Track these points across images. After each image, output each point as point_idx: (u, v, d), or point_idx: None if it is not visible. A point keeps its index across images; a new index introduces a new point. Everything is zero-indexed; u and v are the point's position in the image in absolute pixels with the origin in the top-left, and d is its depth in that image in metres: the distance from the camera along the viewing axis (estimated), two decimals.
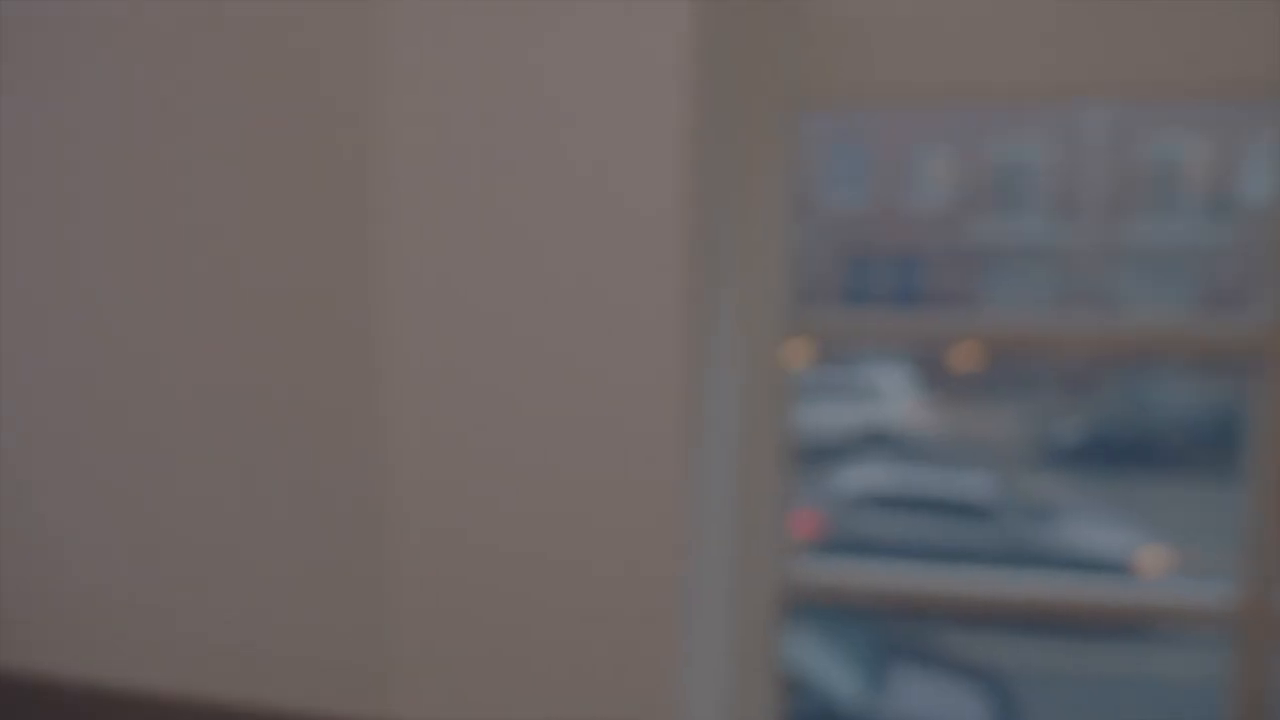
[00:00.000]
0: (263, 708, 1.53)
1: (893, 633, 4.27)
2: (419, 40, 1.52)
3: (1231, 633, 1.90)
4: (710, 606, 1.86)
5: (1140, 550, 4.72)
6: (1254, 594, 1.85)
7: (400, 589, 1.57)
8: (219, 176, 1.45)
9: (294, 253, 1.57)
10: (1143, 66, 1.80)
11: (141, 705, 1.48)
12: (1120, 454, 5.45)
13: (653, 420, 1.67)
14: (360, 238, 1.50)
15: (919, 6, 1.75)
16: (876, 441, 5.73)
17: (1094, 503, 5.09)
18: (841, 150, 5.02)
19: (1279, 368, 1.73)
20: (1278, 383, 1.76)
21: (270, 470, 1.62)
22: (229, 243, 1.47)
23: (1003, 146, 4.82)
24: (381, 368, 1.56)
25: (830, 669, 3.79)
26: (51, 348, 1.48)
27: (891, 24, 1.81)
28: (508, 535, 1.61)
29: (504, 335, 1.58)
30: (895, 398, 5.79)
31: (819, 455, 5.61)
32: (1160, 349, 2.70)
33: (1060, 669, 4.50)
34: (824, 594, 2.11)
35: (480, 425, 1.56)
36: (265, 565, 1.59)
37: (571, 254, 1.58)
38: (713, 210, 1.70)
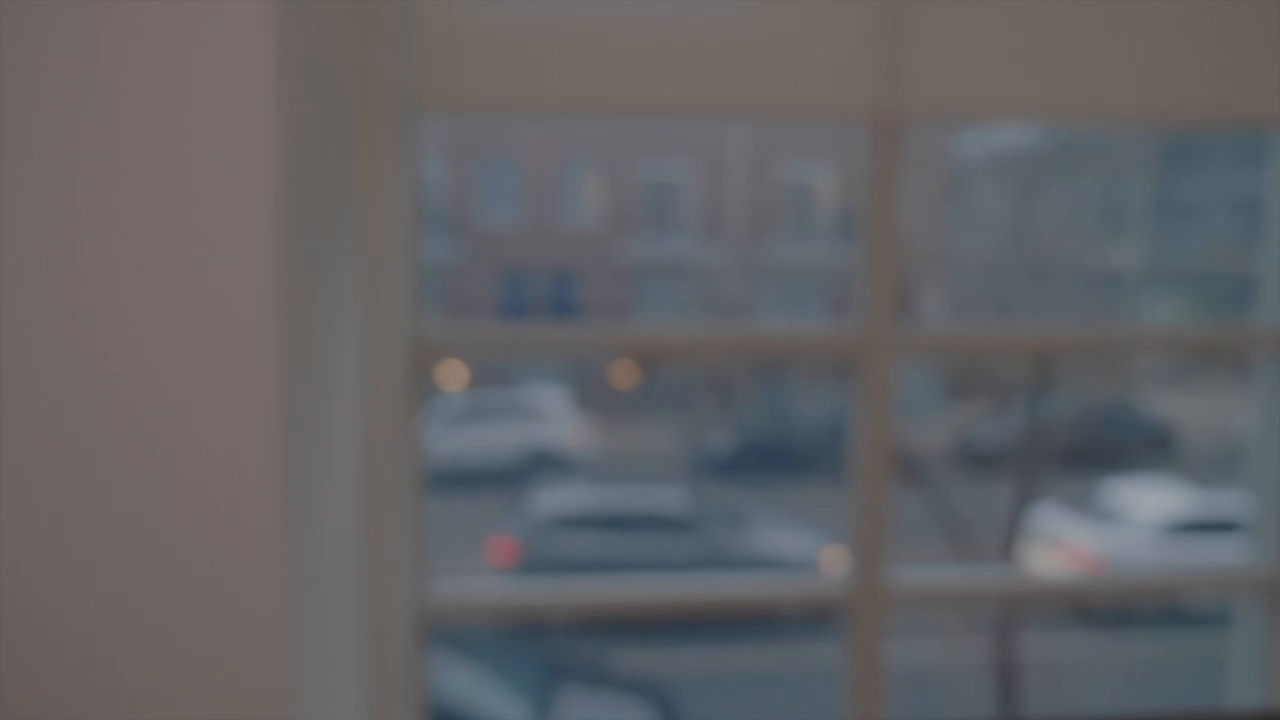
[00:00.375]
0: None
1: (557, 655, 4.22)
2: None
3: (847, 616, 1.94)
4: (336, 635, 1.64)
5: (823, 550, 4.99)
6: (863, 579, 1.90)
7: None
8: None
9: None
10: (767, 90, 1.80)
11: None
12: (768, 461, 5.78)
13: (249, 450, 1.42)
14: None
15: (546, 18, 1.66)
16: (541, 463, 5.69)
17: (767, 509, 5.32)
18: (495, 168, 4.91)
19: (870, 369, 1.79)
20: (869, 383, 1.83)
21: None
22: None
23: (651, 168, 4.92)
24: None
25: (495, 697, 3.69)
26: None
27: (512, 35, 1.71)
28: (93, 573, 1.36)
29: (86, 354, 1.33)
30: (556, 418, 5.78)
31: (483, 479, 5.47)
32: (786, 353, 2.71)
33: (722, 672, 4.64)
34: (468, 615, 1.95)
35: (64, 447, 1.32)
36: None
37: (158, 280, 1.33)
38: (316, 225, 1.48)
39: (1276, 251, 1.85)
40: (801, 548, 5.01)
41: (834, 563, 4.88)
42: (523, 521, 4.82)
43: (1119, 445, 6.42)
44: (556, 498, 5.06)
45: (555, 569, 4.55)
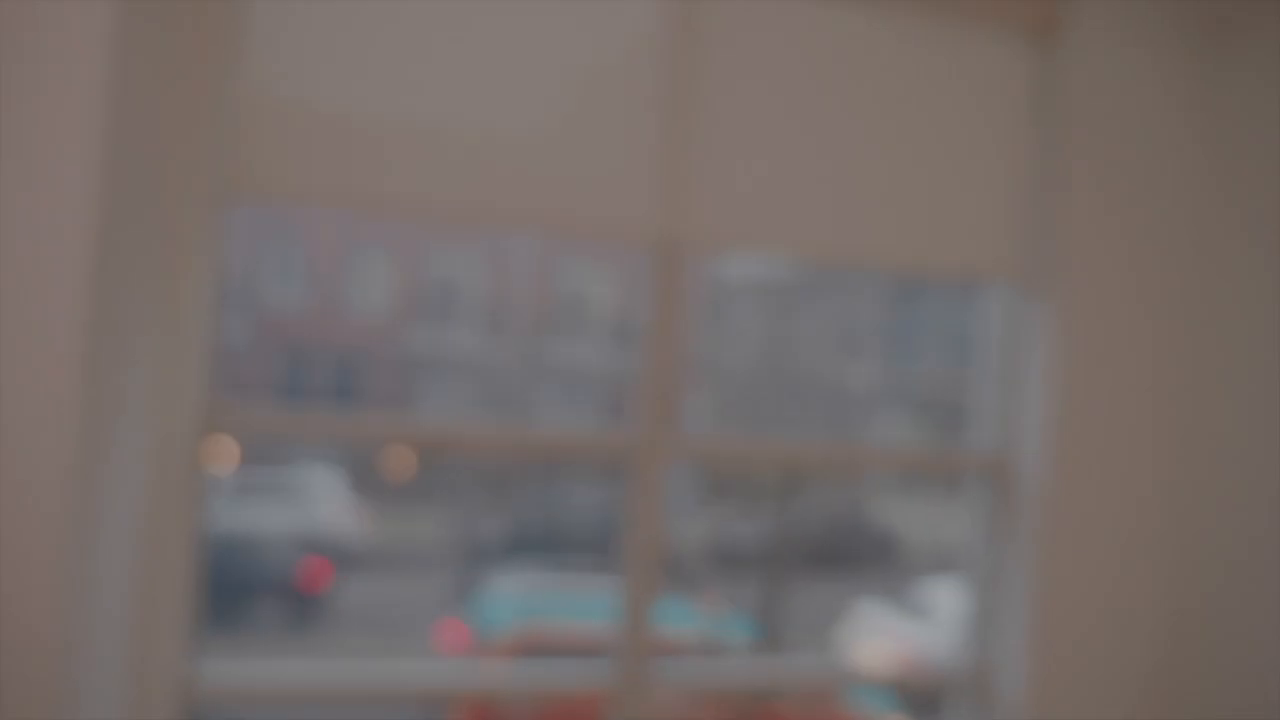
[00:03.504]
0: None
1: None
2: None
3: (615, 704, 2.14)
4: (100, 710, 1.68)
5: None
6: (628, 668, 2.12)
7: None
8: None
9: None
10: (557, 208, 2.07)
11: None
12: (538, 551, 5.92)
13: (36, 519, 1.50)
14: None
15: (357, 117, 1.84)
16: (310, 544, 5.60)
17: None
18: (282, 250, 4.96)
19: (642, 469, 2.06)
20: (641, 482, 2.08)
21: None
22: None
23: (439, 260, 5.12)
24: None
25: None
26: None
27: (327, 132, 1.88)
28: None
29: None
30: (328, 501, 5.72)
31: (248, 554, 5.34)
32: (563, 452, 3.03)
33: None
34: (237, 697, 2.01)
35: None
36: None
37: None
38: (123, 301, 1.61)
39: (982, 385, 2.27)
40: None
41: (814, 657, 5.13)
42: (478, 608, 4.92)
43: (851, 548, 7.01)
44: (510, 584, 5.16)
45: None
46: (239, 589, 5.09)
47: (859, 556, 6.95)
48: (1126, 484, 2.17)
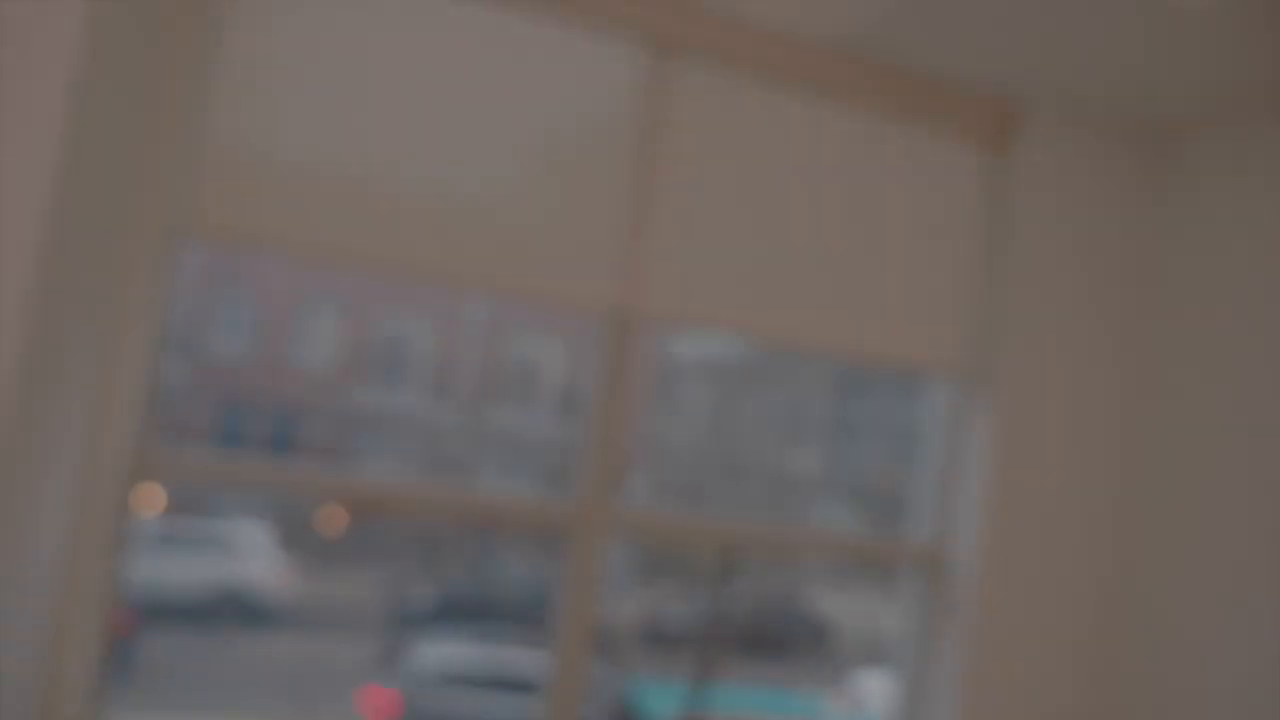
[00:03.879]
0: None
1: None
2: None
3: None
4: None
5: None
6: None
7: None
8: None
9: None
10: (513, 272, 2.08)
11: None
12: (466, 619, 5.82)
13: None
14: None
15: (314, 167, 1.85)
16: (233, 601, 5.45)
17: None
18: (230, 297, 4.91)
19: (580, 540, 2.05)
20: (578, 553, 2.08)
21: None
22: None
23: (388, 320, 5.10)
24: None
25: None
26: None
27: (287, 181, 1.89)
28: None
29: None
30: (254, 555, 5.58)
31: (172, 612, 5.18)
32: (502, 518, 3.02)
33: None
34: None
35: None
36: None
37: None
38: (59, 338, 1.59)
39: (921, 477, 2.31)
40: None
41: None
42: (403, 675, 4.93)
43: (785, 634, 6.98)
44: (438, 653, 5.13)
45: None
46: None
47: (792, 643, 6.92)
48: (1059, 577, 2.21)
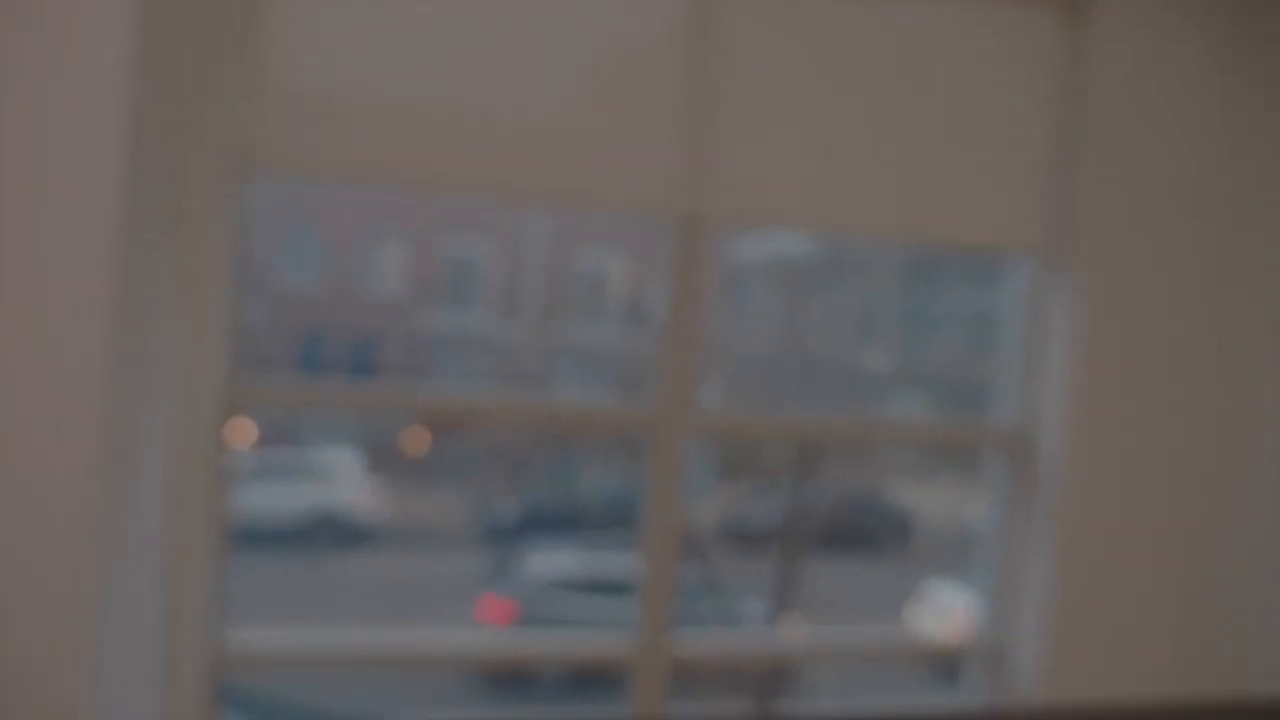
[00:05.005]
0: None
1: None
2: None
3: (629, 673, 2.18)
4: (134, 687, 1.73)
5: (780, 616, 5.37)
6: (649, 640, 2.15)
7: None
8: None
9: None
10: (579, 183, 2.07)
11: None
12: (552, 529, 5.97)
13: (69, 498, 1.54)
14: None
15: (374, 94, 1.86)
16: (330, 525, 5.66)
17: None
18: (299, 234, 4.99)
19: (663, 445, 2.08)
20: (659, 453, 2.11)
21: None
22: None
23: (454, 243, 5.13)
24: None
25: None
26: None
27: (348, 108, 1.90)
28: None
29: None
30: (345, 480, 5.76)
31: (271, 538, 5.40)
32: (581, 426, 3.05)
33: None
34: (265, 663, 2.05)
35: None
36: None
37: None
38: (147, 277, 1.63)
39: (1003, 361, 2.27)
40: (758, 611, 5.45)
41: (792, 624, 5.26)
42: (518, 583, 5.13)
43: (867, 528, 7.01)
44: (548, 561, 5.30)
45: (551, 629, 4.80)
46: None
47: (875, 537, 6.96)
48: (1147, 456, 2.17)
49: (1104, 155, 2.11)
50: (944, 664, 2.38)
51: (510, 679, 4.80)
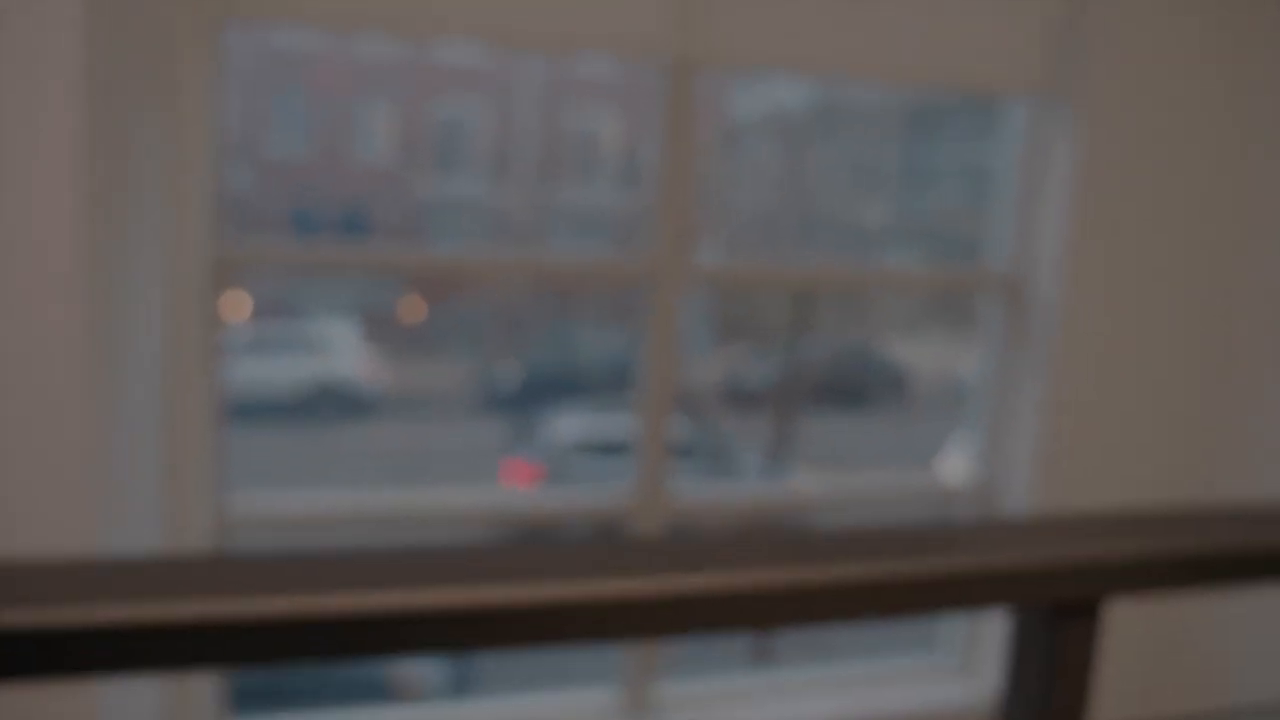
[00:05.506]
0: None
1: None
2: None
3: (624, 528, 2.23)
4: (138, 538, 1.76)
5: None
6: (647, 493, 2.20)
7: None
8: None
9: None
10: (564, 23, 2.00)
11: None
12: (554, 393, 6.04)
13: (58, 372, 1.54)
14: None
15: None
16: (330, 396, 5.70)
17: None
18: (283, 98, 4.87)
19: (659, 297, 2.07)
20: (656, 308, 2.10)
21: None
22: None
23: (442, 105, 5.01)
24: None
25: None
26: None
27: None
28: None
29: None
30: (343, 350, 5.78)
31: (271, 410, 5.45)
32: (578, 280, 3.02)
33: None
34: (260, 529, 2.09)
35: None
36: None
37: None
38: (122, 141, 1.58)
39: (998, 208, 2.25)
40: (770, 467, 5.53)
41: (822, 481, 5.37)
42: (542, 446, 5.19)
43: (861, 384, 7.10)
44: (570, 424, 5.37)
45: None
46: None
47: (870, 392, 7.05)
48: (1141, 300, 2.17)
49: None
50: (942, 507, 2.44)
51: (532, 534, 4.94)
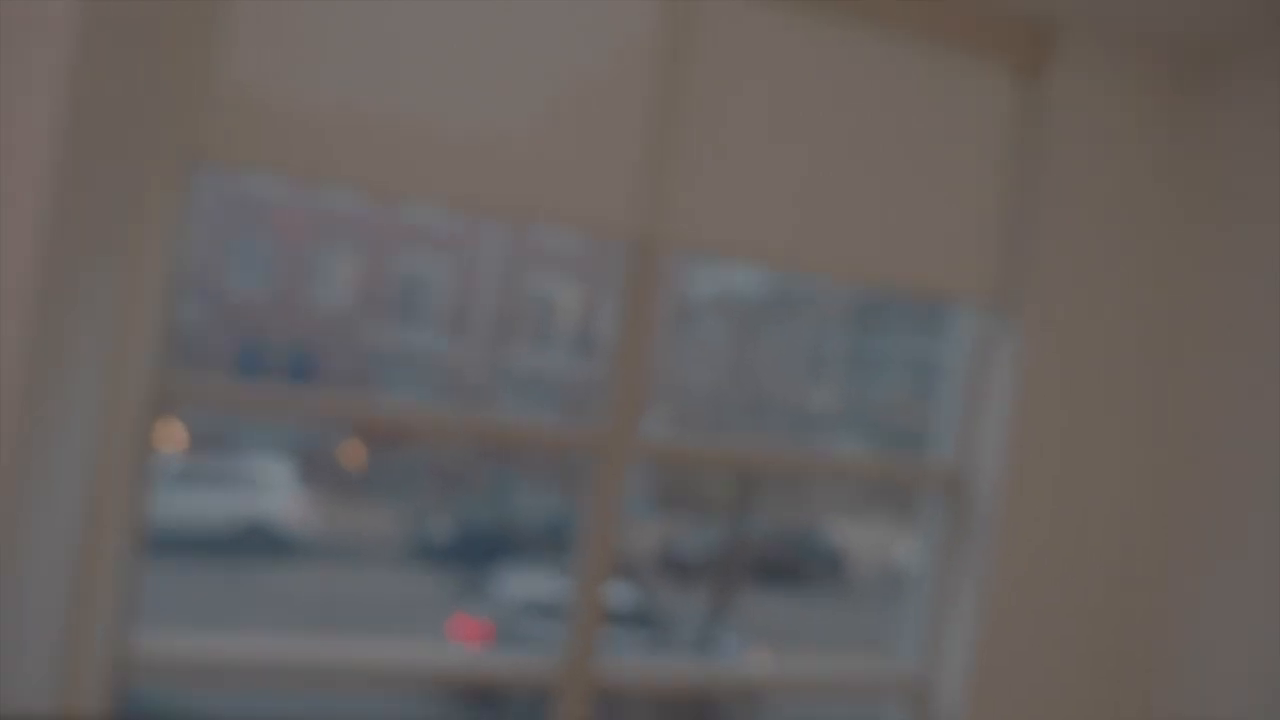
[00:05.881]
0: None
1: None
2: None
3: (552, 695, 2.17)
4: (29, 685, 1.67)
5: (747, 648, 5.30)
6: (574, 662, 2.14)
7: None
8: None
9: None
10: (530, 198, 2.08)
11: None
12: (486, 550, 5.91)
13: None
14: None
15: (330, 96, 1.84)
16: (257, 535, 5.53)
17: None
18: (244, 237, 4.92)
19: (604, 464, 2.08)
20: (601, 476, 2.11)
21: None
22: None
23: (405, 257, 5.10)
24: None
25: None
26: None
27: (302, 113, 1.88)
28: None
29: None
30: (276, 490, 5.64)
31: (195, 546, 5.26)
32: (524, 444, 3.02)
33: None
34: (165, 672, 1.99)
35: None
36: None
37: None
38: (74, 267, 1.59)
39: (942, 404, 2.31)
40: (733, 644, 5.33)
41: (760, 660, 5.11)
42: (492, 603, 5.06)
43: (801, 563, 7.05)
44: (523, 582, 5.23)
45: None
46: None
47: (808, 572, 7.00)
48: (1080, 501, 2.22)
49: (1055, 209, 2.16)
50: (872, 700, 2.39)
51: (479, 699, 4.72)
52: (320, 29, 1.80)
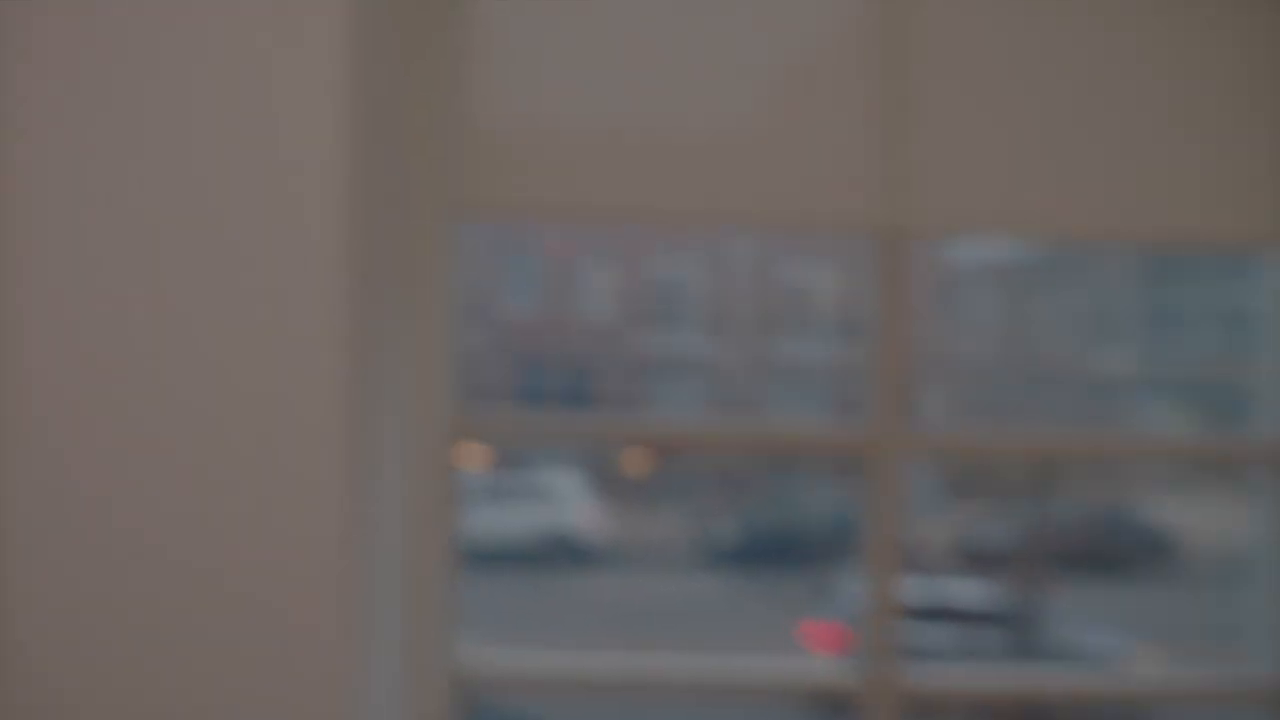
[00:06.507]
0: None
1: None
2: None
3: (859, 704, 2.08)
4: (380, 706, 1.81)
5: (1129, 646, 5.01)
6: (876, 671, 2.05)
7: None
8: None
9: None
10: (779, 204, 2.05)
11: None
12: (772, 552, 5.89)
13: (316, 523, 1.64)
14: None
15: (579, 133, 1.92)
16: (557, 544, 5.82)
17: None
18: (514, 266, 5.22)
19: (878, 468, 1.98)
20: (877, 480, 2.01)
21: None
22: None
23: (661, 266, 5.21)
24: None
25: None
26: None
27: (549, 146, 1.96)
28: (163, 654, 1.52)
29: (153, 449, 1.51)
30: (570, 501, 5.91)
31: (501, 558, 5.62)
32: (794, 449, 2.98)
33: None
34: (501, 685, 2.10)
35: (120, 525, 1.48)
36: None
37: (232, 354, 1.57)
38: (375, 316, 1.73)
39: (1269, 365, 2.04)
40: (1105, 643, 5.03)
41: (1146, 659, 4.86)
42: (844, 607, 5.03)
43: (1119, 550, 6.49)
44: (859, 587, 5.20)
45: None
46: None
47: (1128, 558, 6.43)
48: None
49: None
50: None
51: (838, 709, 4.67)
52: (546, 60, 1.88)
